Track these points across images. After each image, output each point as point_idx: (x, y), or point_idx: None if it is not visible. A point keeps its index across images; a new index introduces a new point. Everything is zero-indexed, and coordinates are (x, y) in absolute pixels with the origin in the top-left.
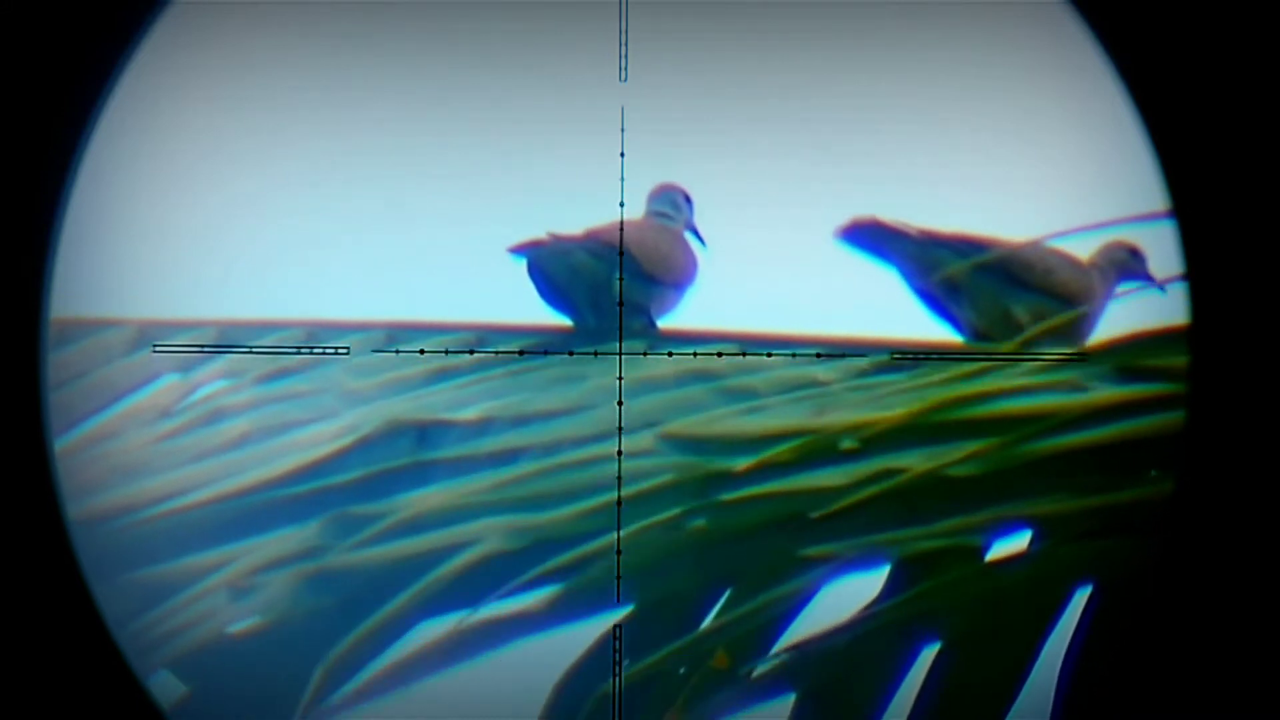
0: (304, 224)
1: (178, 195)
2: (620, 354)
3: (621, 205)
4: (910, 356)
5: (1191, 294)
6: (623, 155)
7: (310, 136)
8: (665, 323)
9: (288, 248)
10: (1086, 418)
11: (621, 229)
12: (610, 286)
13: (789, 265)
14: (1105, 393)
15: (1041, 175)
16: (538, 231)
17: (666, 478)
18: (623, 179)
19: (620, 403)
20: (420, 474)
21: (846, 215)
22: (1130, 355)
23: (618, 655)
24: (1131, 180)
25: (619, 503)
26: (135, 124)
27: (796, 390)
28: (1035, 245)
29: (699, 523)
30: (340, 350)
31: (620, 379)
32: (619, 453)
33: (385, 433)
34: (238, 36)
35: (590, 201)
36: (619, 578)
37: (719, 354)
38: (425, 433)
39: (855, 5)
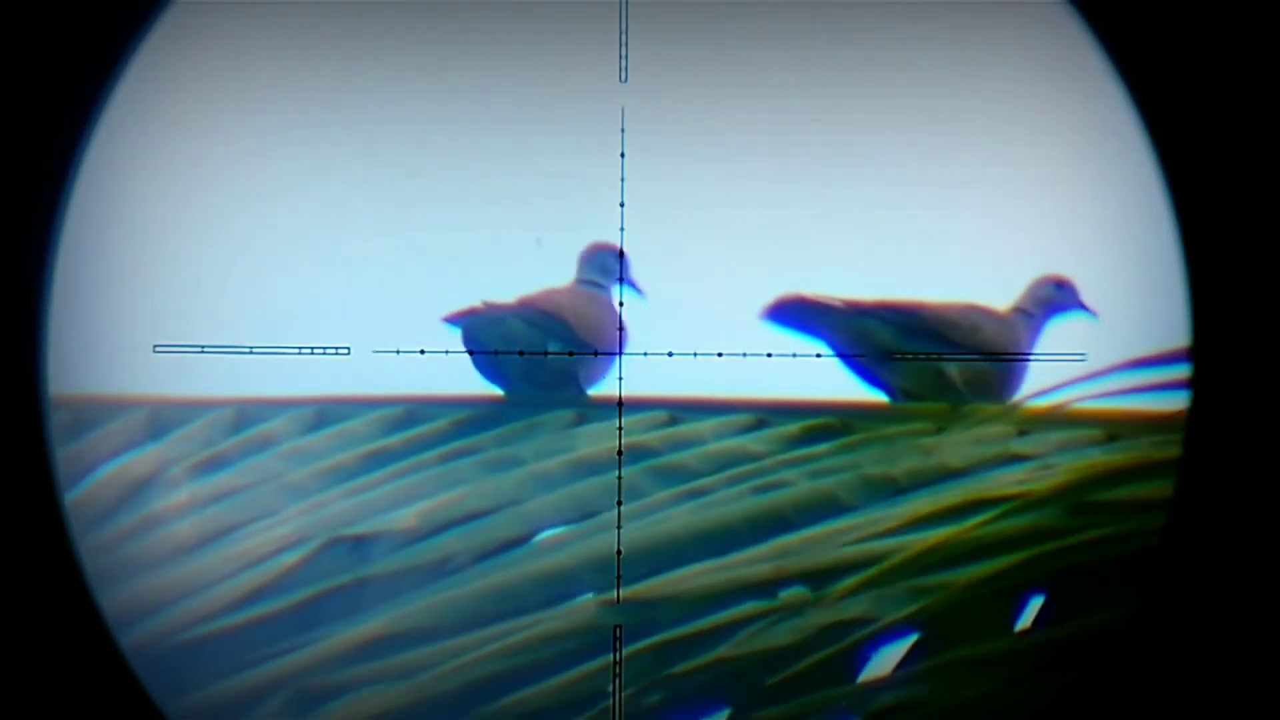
0: (291, 226)
1: (178, 194)
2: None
3: (621, 205)
4: (907, 358)
5: (1191, 294)
6: (623, 155)
7: (310, 137)
8: (594, 390)
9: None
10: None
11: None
12: (544, 355)
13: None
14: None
15: (1041, 175)
16: (537, 230)
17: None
18: (623, 179)
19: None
20: (360, 594)
21: (845, 217)
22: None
23: (618, 655)
24: (1132, 180)
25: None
26: (135, 124)
27: (732, 467)
28: (956, 306)
29: (653, 698)
30: (341, 350)
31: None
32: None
33: (325, 548)
34: (238, 36)
35: (590, 201)
36: (619, 577)
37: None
38: (362, 544)
39: (855, 5)
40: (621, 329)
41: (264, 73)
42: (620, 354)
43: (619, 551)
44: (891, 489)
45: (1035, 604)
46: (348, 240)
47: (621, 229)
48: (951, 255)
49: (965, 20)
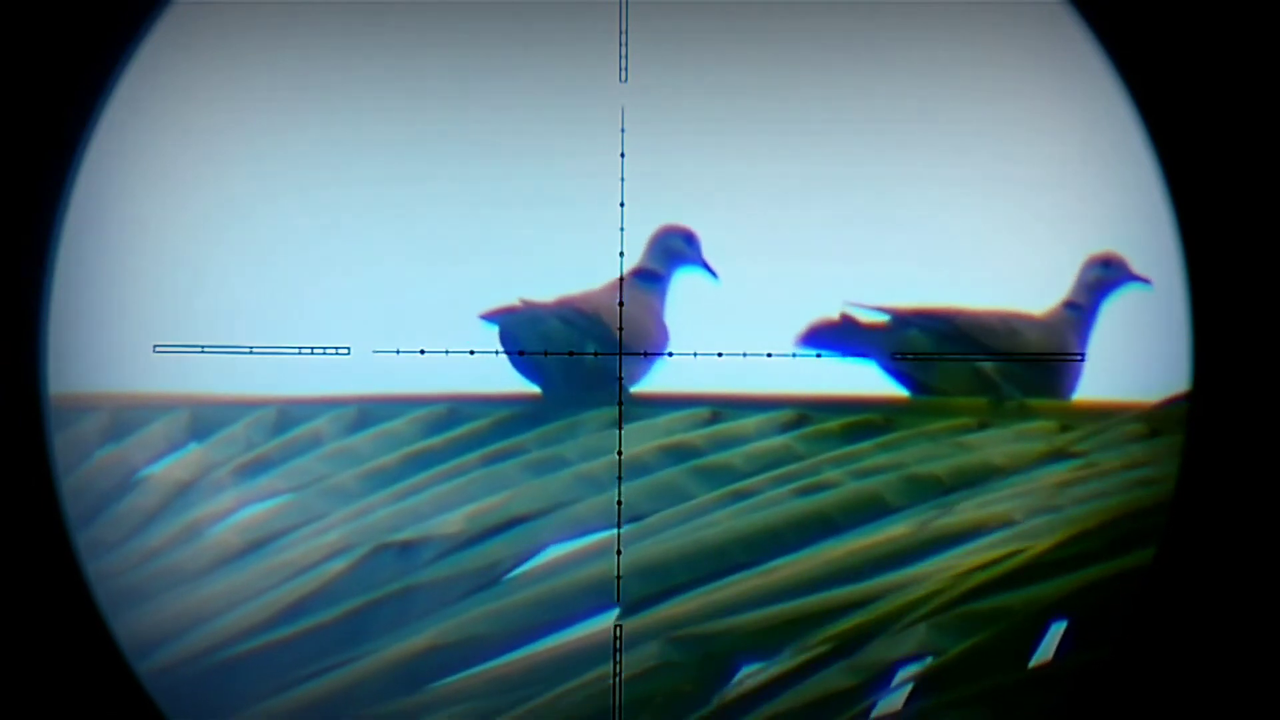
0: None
1: (178, 195)
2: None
3: (621, 205)
4: (911, 358)
5: (1191, 295)
6: (623, 155)
7: (308, 138)
8: (636, 389)
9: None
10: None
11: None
12: (582, 354)
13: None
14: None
15: (1041, 175)
16: (539, 230)
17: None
18: (623, 179)
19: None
20: (407, 603)
21: (846, 217)
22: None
23: (618, 655)
24: (1132, 180)
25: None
26: (135, 124)
27: (775, 467)
28: (995, 313)
29: None
30: (341, 350)
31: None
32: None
33: (371, 555)
34: (238, 36)
35: (590, 202)
36: (619, 577)
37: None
38: (409, 550)
39: (855, 5)
40: (661, 330)
41: (264, 73)
42: (661, 354)
43: (617, 563)
44: (937, 488)
45: (1058, 630)
46: (347, 240)
47: (621, 229)
48: (952, 256)
49: (965, 20)
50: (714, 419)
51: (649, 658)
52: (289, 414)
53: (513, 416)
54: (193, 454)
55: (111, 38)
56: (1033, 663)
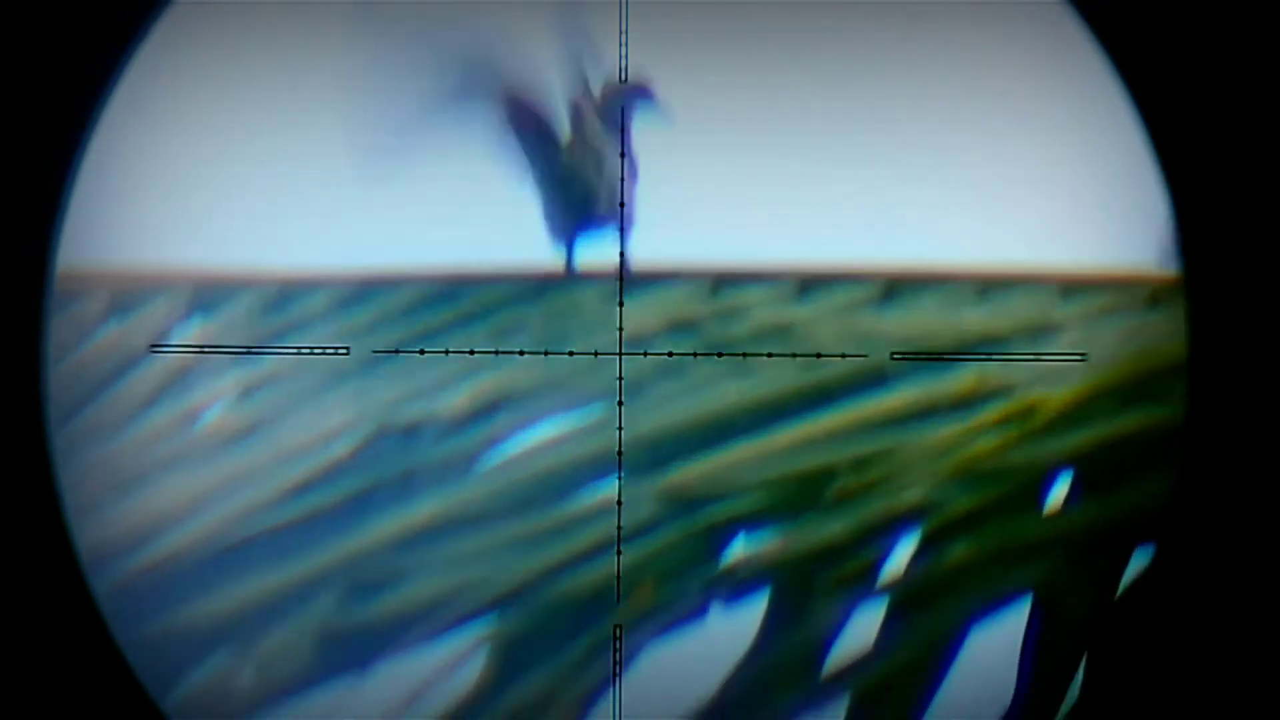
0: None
1: (178, 194)
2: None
3: (621, 205)
4: (911, 357)
5: (1190, 295)
6: (623, 155)
7: (308, 137)
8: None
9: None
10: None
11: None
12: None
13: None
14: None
15: (1041, 175)
16: (541, 230)
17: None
18: (623, 179)
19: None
20: (409, 483)
21: (846, 216)
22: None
23: (618, 655)
24: (1131, 180)
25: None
26: (135, 125)
27: (777, 338)
28: None
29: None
30: (340, 350)
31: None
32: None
33: (373, 438)
34: (238, 36)
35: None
36: (619, 577)
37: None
38: (411, 431)
39: (855, 5)
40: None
41: (264, 73)
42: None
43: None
44: (938, 354)
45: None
46: (347, 240)
47: (621, 229)
48: (952, 256)
49: (965, 20)
50: (715, 292)
51: (648, 522)
52: (289, 292)
53: (514, 294)
54: (193, 332)
55: (111, 38)
56: (1043, 511)
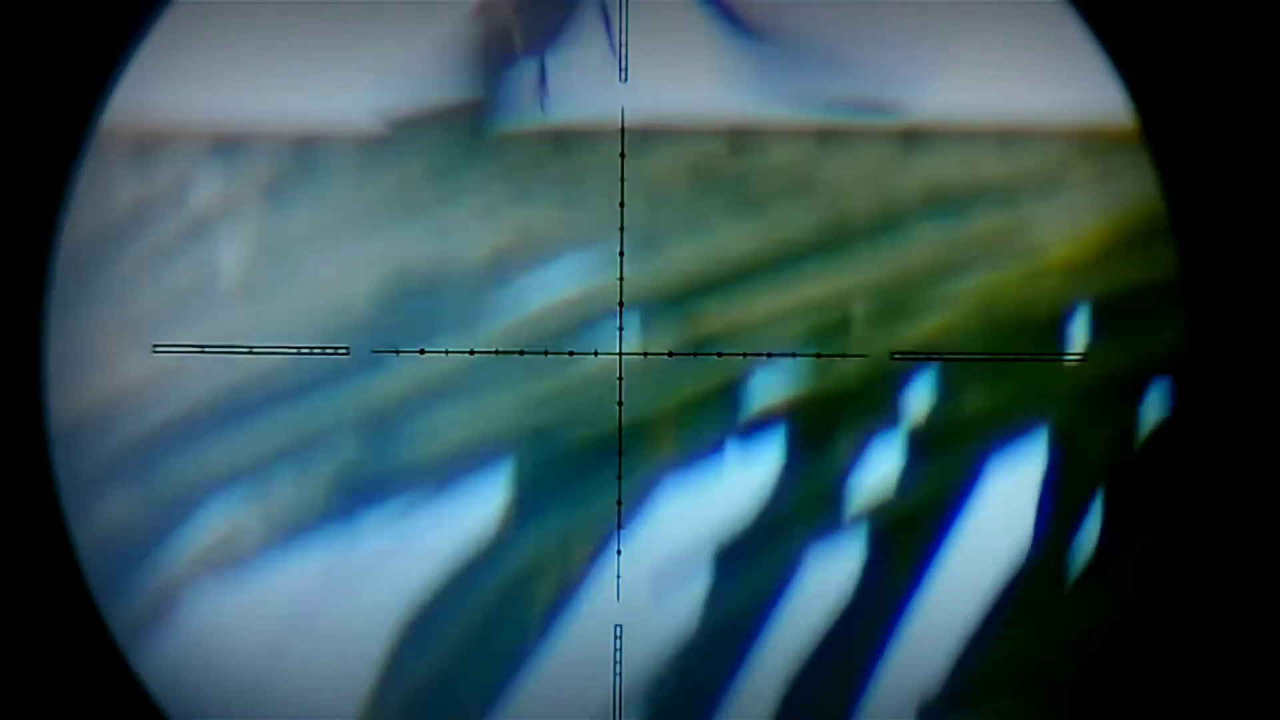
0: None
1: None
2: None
3: (621, 205)
4: (911, 357)
5: (1189, 295)
6: (623, 156)
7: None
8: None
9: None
10: None
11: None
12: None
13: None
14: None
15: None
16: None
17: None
18: (622, 179)
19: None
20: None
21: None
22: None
23: (618, 655)
24: (1131, 180)
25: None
26: (135, 125)
27: (796, 186)
28: None
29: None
30: (340, 350)
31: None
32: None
33: (394, 286)
34: (238, 37)
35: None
36: (619, 577)
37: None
38: (433, 281)
39: (855, 6)
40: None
41: (264, 73)
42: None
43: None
44: (958, 202)
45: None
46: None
47: (621, 229)
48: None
49: (965, 20)
50: (731, 147)
51: (657, 368)
52: (309, 145)
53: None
54: (212, 186)
55: (111, 38)
56: (1062, 351)
